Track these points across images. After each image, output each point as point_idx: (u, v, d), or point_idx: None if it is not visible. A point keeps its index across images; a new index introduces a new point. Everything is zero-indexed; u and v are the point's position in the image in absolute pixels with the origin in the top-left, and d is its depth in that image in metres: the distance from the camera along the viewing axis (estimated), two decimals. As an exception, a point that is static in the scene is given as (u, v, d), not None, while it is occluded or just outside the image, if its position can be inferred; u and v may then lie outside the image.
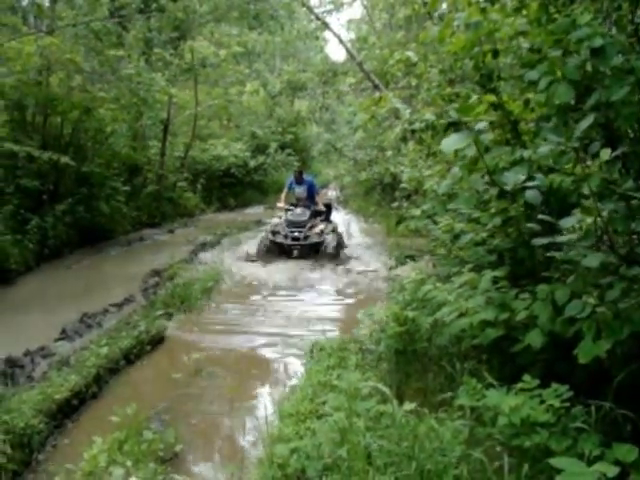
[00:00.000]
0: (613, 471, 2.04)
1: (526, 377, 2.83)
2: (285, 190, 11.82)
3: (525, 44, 3.86)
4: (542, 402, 2.64)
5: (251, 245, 11.40)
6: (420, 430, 2.86)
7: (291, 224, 10.77)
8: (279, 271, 9.50)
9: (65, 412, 4.58)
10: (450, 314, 3.56)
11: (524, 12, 3.70)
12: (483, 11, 3.84)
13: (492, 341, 3.39)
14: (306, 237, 10.54)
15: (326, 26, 17.22)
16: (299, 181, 11.58)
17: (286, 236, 10.57)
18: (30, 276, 9.76)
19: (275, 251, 10.45)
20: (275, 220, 11.62)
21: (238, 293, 8.42)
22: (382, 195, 17.41)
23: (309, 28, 21.29)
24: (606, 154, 2.72)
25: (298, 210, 11.08)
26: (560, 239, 3.10)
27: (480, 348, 3.78)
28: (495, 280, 3.57)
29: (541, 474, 2.49)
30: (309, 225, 10.77)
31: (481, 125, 3.37)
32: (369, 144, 17.16)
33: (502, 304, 3.36)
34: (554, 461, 2.16)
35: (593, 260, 2.78)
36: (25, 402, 4.31)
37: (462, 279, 3.84)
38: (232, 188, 22.48)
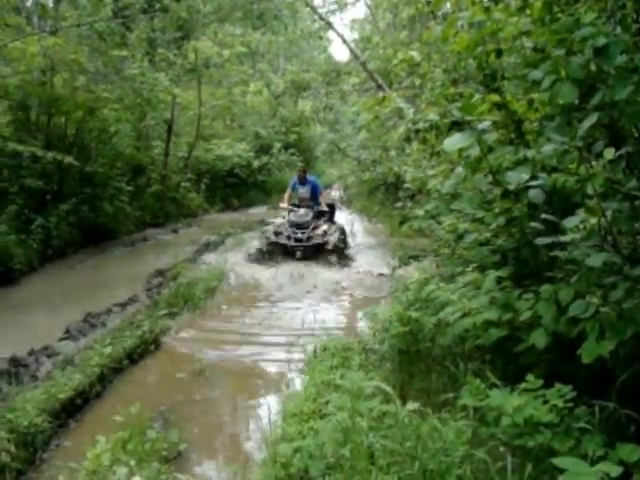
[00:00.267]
0: (616, 471, 2.04)
1: (529, 377, 2.82)
2: (288, 190, 11.77)
3: (529, 43, 3.85)
4: (545, 402, 2.64)
5: (254, 245, 11.38)
6: (423, 430, 2.86)
7: (294, 225, 10.72)
8: (281, 272, 9.47)
9: (69, 411, 4.59)
10: (454, 314, 3.56)
11: (528, 11, 3.69)
12: (487, 10, 3.84)
13: (496, 341, 3.39)
14: (309, 238, 10.48)
15: (330, 26, 17.24)
16: (302, 181, 11.55)
17: (289, 237, 10.51)
18: (34, 276, 9.78)
19: (278, 252, 10.41)
20: (279, 220, 11.58)
21: (240, 294, 8.40)
22: (386, 195, 17.39)
23: (313, 28, 21.29)
24: (610, 153, 2.71)
25: (301, 211, 11.04)
26: (564, 239, 3.10)
27: (483, 348, 3.77)
28: (499, 280, 3.56)
29: (544, 474, 2.49)
30: (312, 226, 10.73)
31: (484, 125, 3.36)
32: (373, 144, 17.13)
33: (506, 304, 3.36)
34: (557, 461, 2.16)
35: (597, 260, 2.77)
36: (29, 401, 4.32)
37: (466, 279, 3.84)
38: (236, 188, 22.49)
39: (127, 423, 3.92)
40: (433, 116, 4.83)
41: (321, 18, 17.24)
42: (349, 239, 12.16)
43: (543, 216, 3.19)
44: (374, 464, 2.79)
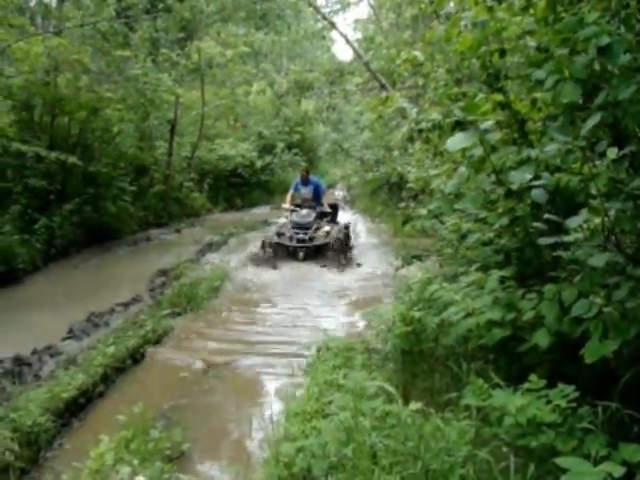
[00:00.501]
0: (619, 471, 2.04)
1: (533, 377, 2.82)
2: (291, 191, 11.75)
3: (532, 43, 3.84)
4: (549, 402, 2.64)
5: (257, 246, 11.35)
6: (426, 430, 2.86)
7: (296, 225, 10.69)
8: (283, 274, 9.45)
9: (72, 411, 4.60)
10: (457, 314, 3.56)
11: (531, 11, 3.69)
12: (490, 10, 3.83)
13: (499, 341, 3.38)
14: (312, 239, 10.46)
15: (333, 26, 17.24)
16: (305, 182, 11.54)
17: (291, 238, 10.48)
18: (37, 275, 9.80)
19: (280, 253, 10.37)
20: (282, 220, 11.56)
21: (241, 296, 8.39)
22: (389, 195, 17.39)
23: (316, 28, 21.29)
24: (613, 153, 2.71)
25: (303, 211, 11.01)
26: (567, 239, 3.09)
27: (487, 348, 3.77)
28: (502, 280, 3.56)
29: (547, 474, 2.49)
30: (315, 227, 10.70)
31: (487, 124, 3.36)
32: (376, 144, 17.13)
33: (509, 304, 3.35)
34: (560, 461, 2.15)
35: (600, 260, 2.77)
36: (32, 400, 4.32)
37: (469, 279, 3.84)
38: (239, 188, 22.51)
39: (130, 422, 3.92)
40: (436, 116, 4.83)
41: (324, 18, 17.26)
42: (352, 240, 12.11)
43: (546, 216, 3.19)
44: (377, 464, 2.79)
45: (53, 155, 10.96)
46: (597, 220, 3.08)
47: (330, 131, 27.35)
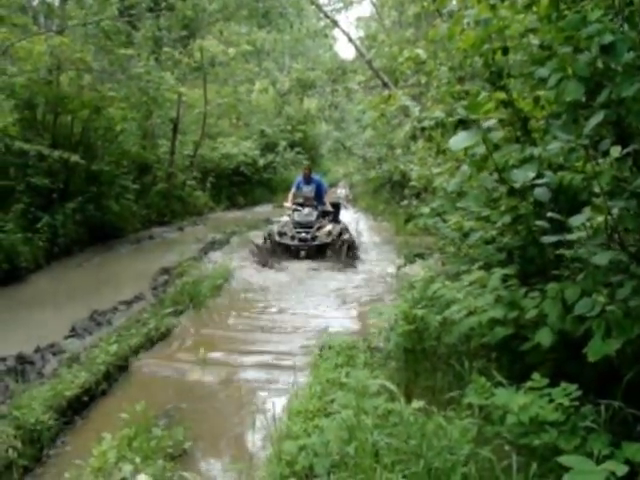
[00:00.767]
0: (622, 470, 2.03)
1: (535, 376, 2.81)
2: (293, 189, 11.74)
3: (535, 41, 3.83)
4: (551, 401, 2.63)
5: (259, 245, 11.32)
6: (428, 428, 2.86)
7: (298, 225, 10.68)
8: (284, 274, 9.43)
9: (75, 408, 4.60)
10: (459, 312, 3.55)
11: (534, 9, 3.68)
12: (493, 8, 3.82)
13: (501, 340, 3.38)
14: (314, 238, 10.45)
15: (335, 24, 17.26)
16: (307, 180, 11.53)
17: (293, 237, 10.47)
18: (40, 274, 9.82)
19: (282, 252, 10.37)
20: (284, 219, 11.55)
21: (243, 295, 8.39)
22: (391, 193, 17.39)
23: (318, 26, 21.33)
24: (616, 151, 2.70)
25: (305, 210, 10.99)
26: (570, 237, 3.09)
27: (489, 347, 3.76)
28: (504, 278, 3.55)
29: (550, 473, 2.48)
30: (317, 226, 10.69)
31: (490, 123, 3.35)
32: (378, 142, 17.13)
33: (511, 302, 3.35)
34: (563, 459, 2.15)
35: (603, 258, 2.76)
36: (35, 398, 4.33)
37: (471, 277, 3.83)
38: (241, 186, 22.52)
39: (133, 420, 3.93)
40: (439, 114, 4.81)
41: (327, 16, 17.27)
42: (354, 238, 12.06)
43: (549, 214, 3.18)
44: (379, 462, 2.79)
45: (56, 154, 10.97)
46: (600, 218, 3.07)
47: (332, 129, 27.40)
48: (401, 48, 11.39)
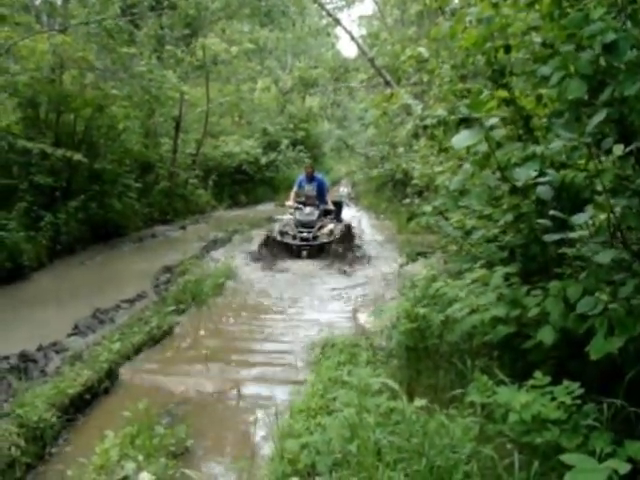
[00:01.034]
0: (625, 468, 2.03)
1: (537, 374, 2.81)
2: (294, 188, 11.71)
3: (537, 39, 3.83)
4: (553, 399, 2.63)
5: (261, 242, 11.29)
6: (430, 426, 2.86)
7: (300, 224, 10.66)
8: (285, 274, 9.41)
9: (77, 406, 4.61)
10: (461, 311, 3.55)
11: (537, 7, 3.67)
12: (495, 6, 3.81)
13: (503, 338, 3.38)
14: (315, 237, 10.44)
15: (337, 22, 17.25)
16: (310, 179, 11.52)
17: (294, 236, 10.47)
18: (43, 272, 9.84)
19: (283, 252, 10.35)
20: (286, 217, 11.55)
21: (245, 293, 8.39)
22: (393, 192, 17.37)
23: (320, 24, 21.34)
24: (619, 150, 2.69)
25: (307, 210, 10.97)
26: (572, 235, 3.08)
27: (491, 345, 3.76)
28: (507, 277, 3.55)
29: (552, 471, 2.48)
30: (318, 225, 10.68)
31: (492, 121, 3.35)
32: (381, 140, 17.13)
33: (513, 301, 3.34)
34: (565, 457, 2.15)
35: (606, 256, 2.76)
36: (38, 396, 4.34)
37: (473, 276, 3.83)
38: (243, 185, 22.53)
39: (135, 418, 3.94)
40: (441, 112, 4.81)
41: (329, 14, 17.27)
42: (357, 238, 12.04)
43: (551, 212, 3.18)
44: (381, 460, 2.79)
45: (59, 152, 10.98)
46: (603, 216, 3.07)
47: (335, 128, 27.40)
48: (403, 46, 11.38)
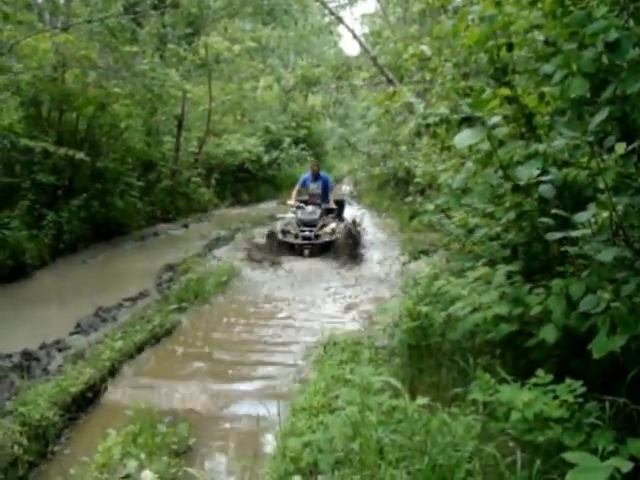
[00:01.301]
0: (627, 466, 2.03)
1: (540, 372, 2.81)
2: (297, 186, 11.70)
3: (540, 37, 3.82)
4: (556, 397, 2.63)
5: (262, 243, 11.26)
6: (432, 425, 2.86)
7: (302, 223, 10.66)
8: (288, 270, 9.42)
9: (80, 405, 4.62)
10: (464, 309, 3.55)
11: (539, 5, 3.66)
12: (498, 4, 3.81)
13: (506, 336, 3.37)
14: (317, 236, 10.44)
15: (340, 20, 17.23)
16: (315, 177, 11.50)
17: (297, 235, 10.47)
18: (46, 271, 9.85)
19: (285, 250, 10.37)
20: (288, 216, 11.54)
21: (247, 292, 8.39)
22: (396, 190, 17.35)
23: (323, 23, 21.32)
24: (621, 148, 2.69)
25: (309, 208, 10.96)
26: (575, 234, 3.07)
27: (494, 343, 3.76)
28: (509, 275, 3.55)
29: (554, 469, 2.48)
30: (320, 224, 10.67)
31: (494, 120, 3.35)
32: (383, 139, 17.10)
33: (516, 299, 3.34)
34: (567, 455, 2.14)
35: (608, 254, 2.76)
36: (41, 395, 4.35)
37: (476, 274, 3.82)
38: (246, 183, 22.53)
39: (137, 417, 3.94)
40: (444, 110, 4.80)
41: (331, 13, 17.25)
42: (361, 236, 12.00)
43: (554, 211, 3.18)
44: (383, 458, 2.79)
45: (61, 151, 10.98)
46: (605, 215, 3.06)
47: (337, 126, 27.37)
48: (406, 44, 11.37)
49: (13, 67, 11.04)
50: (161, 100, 14.51)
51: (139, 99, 13.86)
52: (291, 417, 3.93)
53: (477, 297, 3.53)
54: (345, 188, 26.59)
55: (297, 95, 26.51)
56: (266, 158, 23.35)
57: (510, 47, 3.89)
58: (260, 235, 12.08)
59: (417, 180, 8.09)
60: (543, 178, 3.18)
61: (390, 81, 13.99)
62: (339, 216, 11.79)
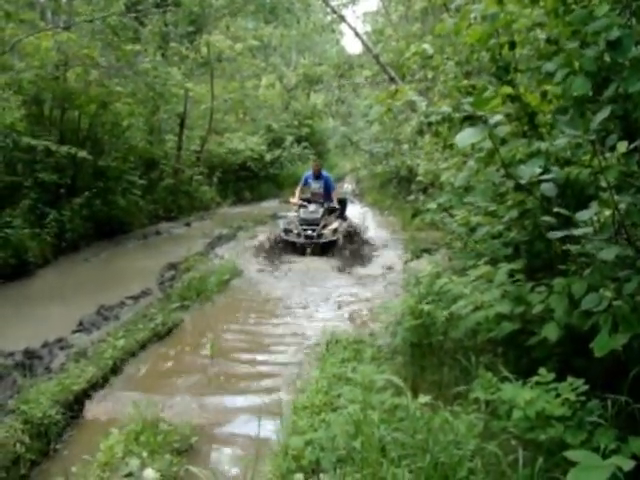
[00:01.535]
0: (629, 465, 2.03)
1: (542, 371, 2.81)
2: (299, 185, 11.69)
3: (542, 35, 3.83)
4: (558, 396, 2.63)
5: (263, 242, 11.26)
6: (434, 423, 2.86)
7: (304, 222, 10.66)
8: (287, 275, 9.36)
9: (82, 403, 4.63)
10: (466, 307, 3.55)
11: (541, 3, 3.66)
12: (500, 2, 3.80)
13: (508, 334, 3.38)
14: (319, 235, 10.45)
15: (342, 19, 17.18)
16: (317, 176, 11.49)
17: (299, 234, 10.48)
18: (48, 269, 9.86)
19: (287, 249, 10.37)
20: (291, 214, 11.54)
21: (248, 292, 8.39)
22: (398, 188, 17.36)
23: (325, 21, 21.26)
24: (623, 146, 2.69)
25: (311, 207, 10.95)
26: (577, 232, 3.07)
27: (496, 341, 3.76)
28: (511, 273, 3.55)
29: (556, 468, 2.48)
30: (323, 223, 10.68)
31: (497, 118, 3.34)
32: (385, 137, 17.11)
33: (518, 297, 3.34)
34: (569, 454, 2.15)
35: (610, 253, 2.75)
36: (43, 393, 4.35)
37: (478, 272, 3.83)
38: (248, 181, 22.53)
39: (139, 415, 3.95)
40: (446, 109, 4.80)
41: (333, 11, 17.21)
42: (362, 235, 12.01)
43: (556, 209, 3.18)
44: (385, 457, 2.80)
45: (63, 149, 11.00)
46: (607, 213, 3.06)
47: (339, 124, 27.34)
48: (408, 43, 11.37)
49: (15, 66, 11.07)
50: (163, 99, 14.52)
51: (141, 98, 13.87)
52: (293, 415, 3.93)
53: (479, 295, 3.54)
54: (347, 186, 26.59)
55: (299, 93, 26.49)
56: (268, 157, 23.36)
57: (512, 45, 3.89)
58: (262, 234, 12.09)
59: (419, 178, 8.09)
60: (545, 176, 3.18)
61: (392, 79, 13.96)
62: (342, 215, 11.78)
